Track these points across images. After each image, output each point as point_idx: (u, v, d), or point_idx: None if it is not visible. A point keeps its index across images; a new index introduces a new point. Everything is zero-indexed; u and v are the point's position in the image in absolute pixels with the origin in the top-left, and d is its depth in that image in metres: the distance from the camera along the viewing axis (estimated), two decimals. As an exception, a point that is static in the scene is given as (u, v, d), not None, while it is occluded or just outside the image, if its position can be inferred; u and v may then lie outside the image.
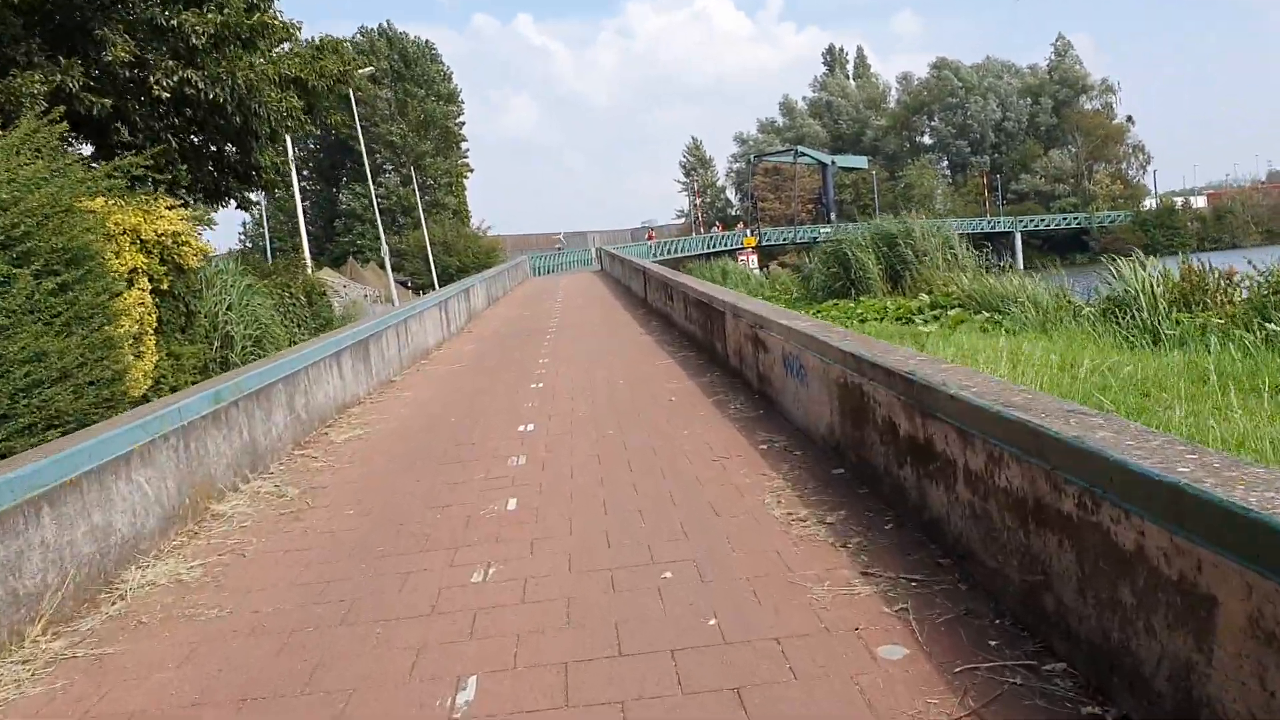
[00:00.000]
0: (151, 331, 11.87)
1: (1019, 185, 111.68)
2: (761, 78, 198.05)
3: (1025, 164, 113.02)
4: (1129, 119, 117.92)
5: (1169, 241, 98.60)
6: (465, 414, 10.23)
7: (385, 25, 77.18)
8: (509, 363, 14.45)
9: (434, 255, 65.92)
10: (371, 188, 42.15)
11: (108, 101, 13.82)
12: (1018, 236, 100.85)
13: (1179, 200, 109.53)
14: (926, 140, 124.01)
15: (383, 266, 73.87)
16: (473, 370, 13.98)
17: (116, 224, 10.44)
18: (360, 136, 42.44)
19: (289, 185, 32.82)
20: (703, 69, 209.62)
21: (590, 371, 12.53)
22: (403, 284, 63.54)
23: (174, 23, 14.22)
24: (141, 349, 11.44)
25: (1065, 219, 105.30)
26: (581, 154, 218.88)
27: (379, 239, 76.91)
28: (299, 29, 19.67)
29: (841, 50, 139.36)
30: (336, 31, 74.35)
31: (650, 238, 66.82)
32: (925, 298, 21.39)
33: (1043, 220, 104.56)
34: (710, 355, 12.30)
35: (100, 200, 10.12)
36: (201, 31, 14.33)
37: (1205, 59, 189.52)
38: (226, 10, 14.77)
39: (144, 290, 11.46)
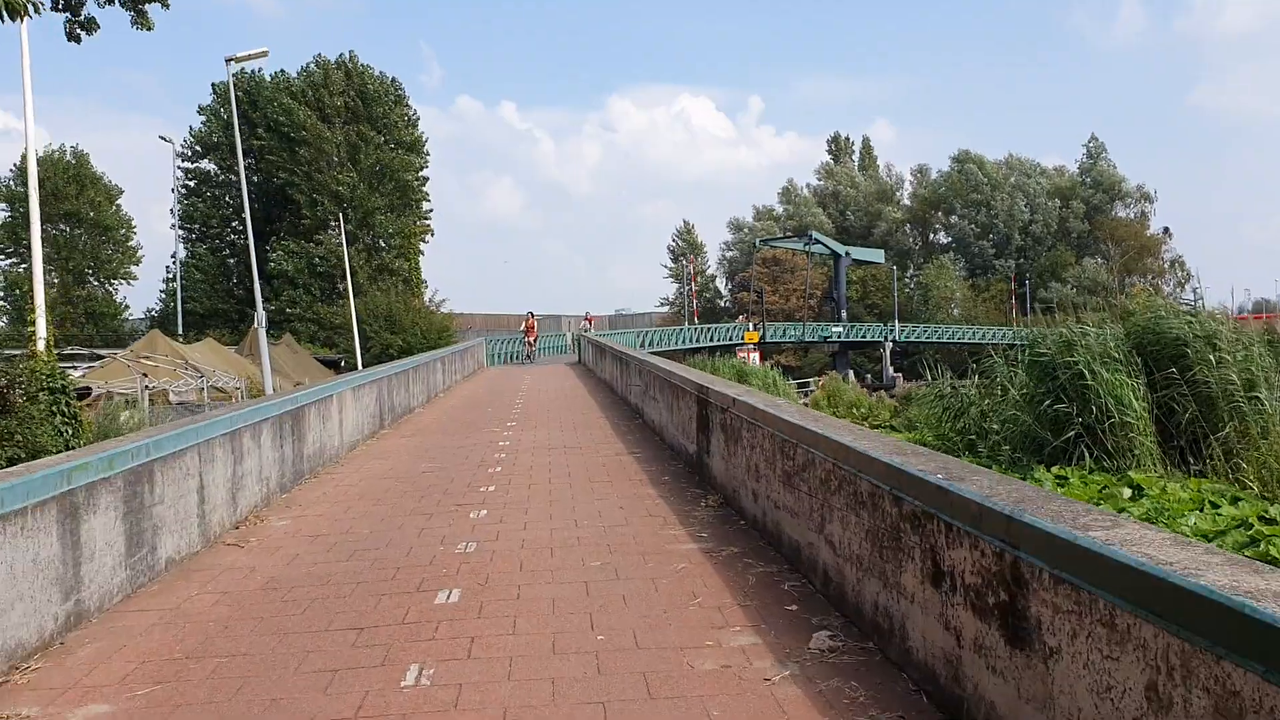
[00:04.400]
0: None
1: (1047, 294, 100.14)
2: (741, 177, 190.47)
3: (1055, 271, 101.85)
4: (1166, 230, 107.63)
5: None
6: None
7: (346, 56, 65.19)
8: None
9: (374, 331, 52.97)
10: (251, 238, 29.11)
11: None
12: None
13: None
14: (943, 238, 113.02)
15: (310, 342, 60.67)
16: None
17: None
18: (240, 159, 29.53)
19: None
20: (683, 166, 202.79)
21: None
22: (333, 364, 50.36)
23: None
24: None
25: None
26: (560, 240, 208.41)
27: (314, 306, 63.97)
28: None
29: (847, 139, 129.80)
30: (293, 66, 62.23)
31: (589, 321, 53.58)
32: None
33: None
34: None
35: None
36: None
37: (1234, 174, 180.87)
38: None
39: None
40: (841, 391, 31.80)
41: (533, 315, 45.26)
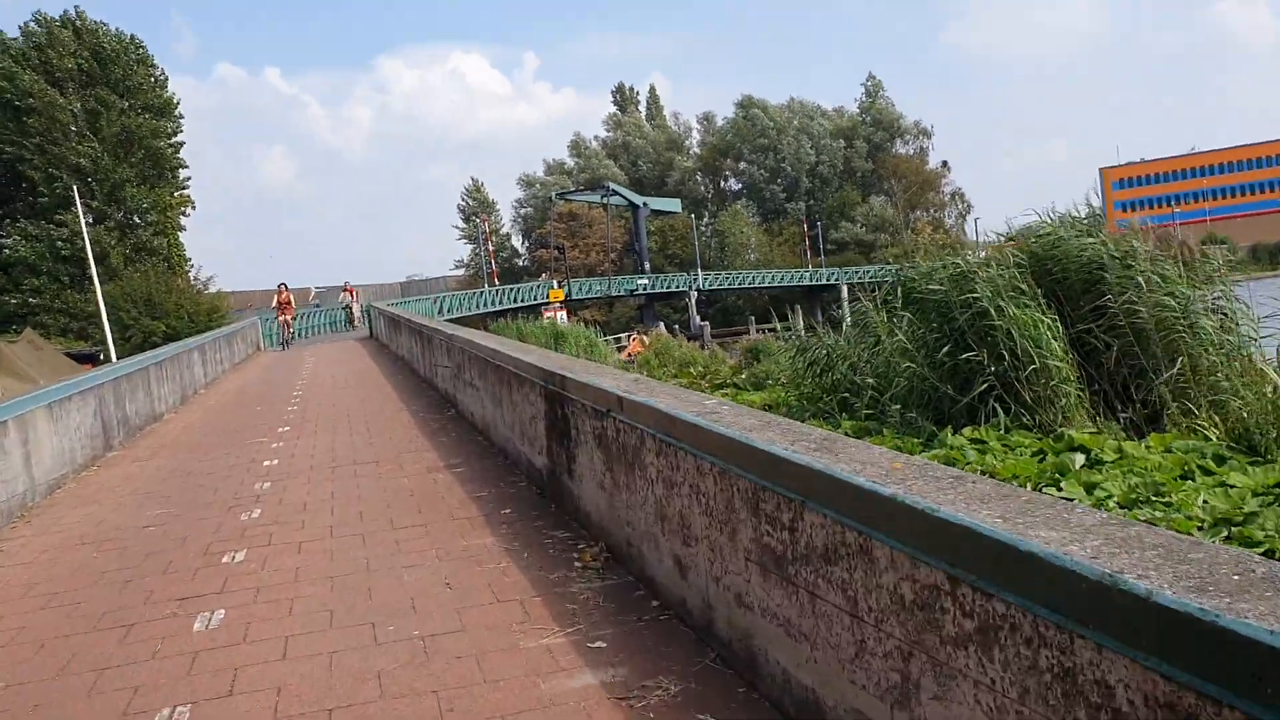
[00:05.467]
0: None
1: (838, 234, 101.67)
2: (522, 135, 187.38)
3: (844, 211, 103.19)
4: (944, 164, 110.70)
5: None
6: None
7: (72, 12, 57.56)
8: None
9: (133, 318, 47.10)
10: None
11: None
12: (844, 289, 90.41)
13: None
14: (734, 185, 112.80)
15: (61, 335, 53.71)
16: None
17: None
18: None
19: None
20: (462, 126, 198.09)
21: None
22: (89, 358, 44.34)
23: None
24: None
25: (890, 270, 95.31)
26: (340, 209, 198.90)
27: (62, 294, 56.67)
28: None
29: (632, 89, 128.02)
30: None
31: (350, 292, 47.47)
32: None
33: (867, 271, 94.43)
34: None
35: None
36: None
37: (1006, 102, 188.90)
38: None
39: None
40: (669, 347, 29.19)
41: (285, 288, 33.98)
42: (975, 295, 11.57)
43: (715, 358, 22.92)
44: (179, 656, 4.47)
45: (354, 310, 45.20)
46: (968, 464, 8.67)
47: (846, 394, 13.70)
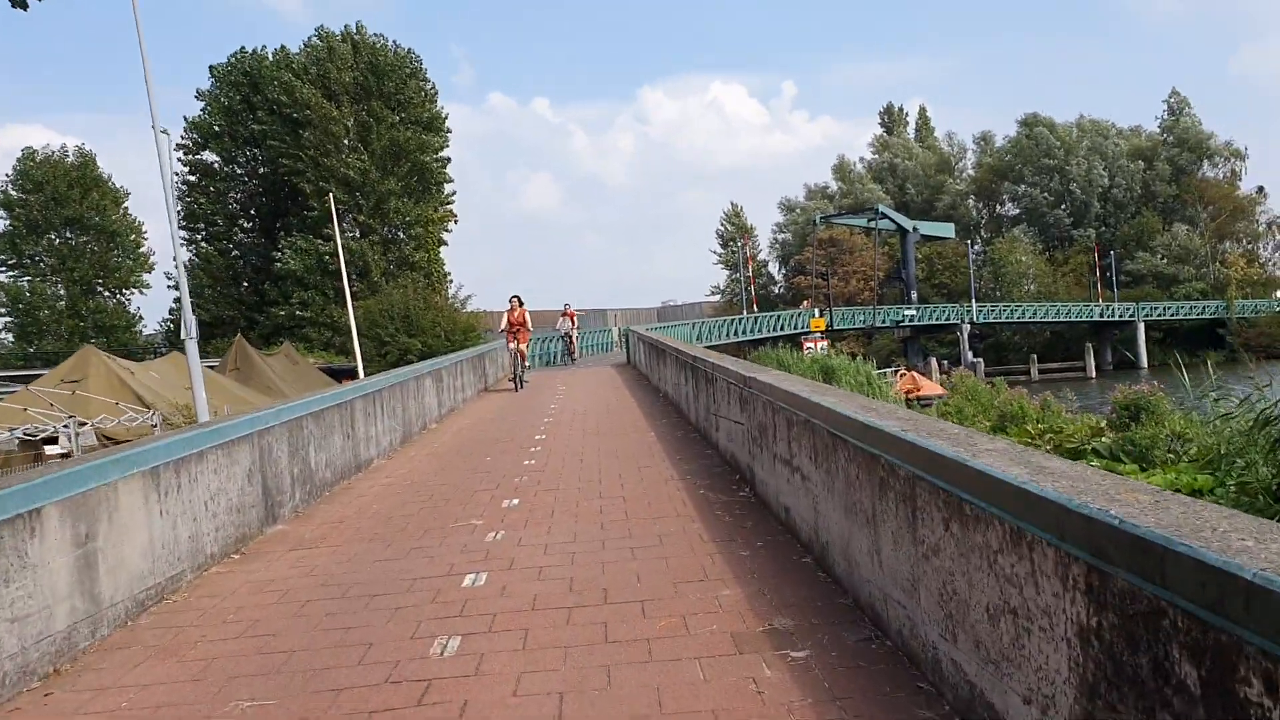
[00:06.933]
0: None
1: (1134, 265, 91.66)
2: (777, 163, 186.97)
3: (1141, 240, 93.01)
4: (1260, 190, 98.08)
5: (1334, 339, 77.17)
6: None
7: (353, 27, 58.40)
8: None
9: (390, 334, 46.27)
10: (173, 224, 22.39)
11: None
12: (1140, 328, 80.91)
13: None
14: (1012, 209, 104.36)
15: (324, 350, 54.06)
16: None
17: None
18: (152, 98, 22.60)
19: None
20: (718, 154, 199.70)
21: None
22: (346, 374, 43.77)
23: None
24: None
25: (1197, 307, 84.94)
26: (599, 234, 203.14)
27: (327, 308, 57.26)
28: None
29: (901, 110, 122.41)
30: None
31: (570, 316, 37.57)
32: None
33: (1167, 309, 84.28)
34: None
35: None
36: None
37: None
38: None
39: None
40: (977, 391, 23.89)
41: (519, 302, 23.66)
42: None
43: (1051, 410, 18.00)
44: None
45: (573, 339, 37.95)
46: None
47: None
